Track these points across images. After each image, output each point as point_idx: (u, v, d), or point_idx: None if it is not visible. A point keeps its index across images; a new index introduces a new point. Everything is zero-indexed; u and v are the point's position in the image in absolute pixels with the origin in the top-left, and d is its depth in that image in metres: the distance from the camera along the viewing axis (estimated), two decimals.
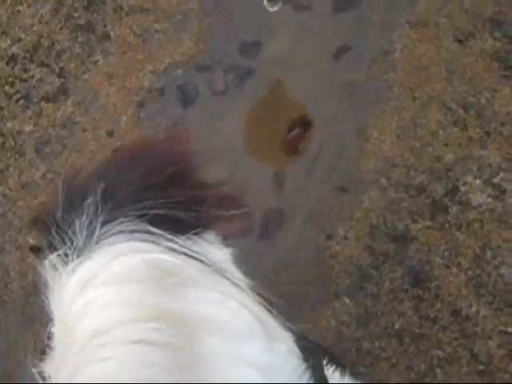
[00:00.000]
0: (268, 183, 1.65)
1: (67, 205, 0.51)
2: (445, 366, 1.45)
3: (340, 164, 1.63)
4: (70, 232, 0.48)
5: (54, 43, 1.85)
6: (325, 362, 0.70)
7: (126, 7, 1.87)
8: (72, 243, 0.48)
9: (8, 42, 1.86)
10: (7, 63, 1.84)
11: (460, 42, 1.61)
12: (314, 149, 1.66)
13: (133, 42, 1.83)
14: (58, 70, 1.81)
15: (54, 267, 0.47)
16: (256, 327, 0.54)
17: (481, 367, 1.42)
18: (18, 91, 1.80)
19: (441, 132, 1.59)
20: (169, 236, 0.50)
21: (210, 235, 0.59)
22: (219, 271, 0.54)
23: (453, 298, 1.49)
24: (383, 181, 1.60)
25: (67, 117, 1.76)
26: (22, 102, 1.79)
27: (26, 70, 1.83)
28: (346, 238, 1.57)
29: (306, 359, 0.60)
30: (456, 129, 1.58)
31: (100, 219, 0.48)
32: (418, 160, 1.59)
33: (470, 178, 1.54)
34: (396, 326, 1.48)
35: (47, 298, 0.48)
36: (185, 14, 1.84)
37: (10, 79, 1.82)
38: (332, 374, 0.69)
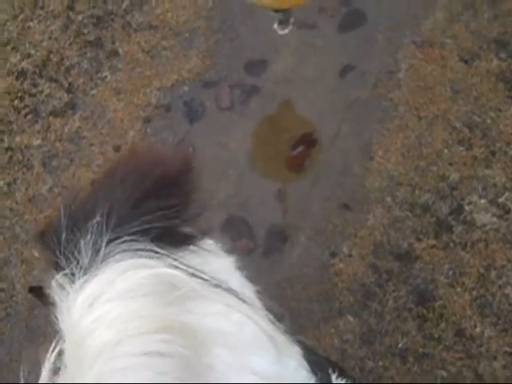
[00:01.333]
0: (272, 199, 1.66)
1: (71, 225, 0.52)
2: None
3: (345, 181, 1.64)
4: (75, 252, 0.49)
5: (63, 59, 1.88)
6: (334, 376, 0.70)
7: (135, 24, 1.90)
8: (78, 262, 0.49)
9: (18, 57, 1.89)
10: (17, 78, 1.87)
11: (465, 62, 1.62)
12: (319, 166, 1.67)
13: (141, 59, 1.85)
14: (66, 86, 1.84)
15: (61, 286, 0.48)
16: (262, 339, 0.54)
17: None
18: (26, 106, 1.83)
19: (446, 151, 1.60)
20: (171, 251, 0.51)
21: (210, 244, 0.60)
22: (221, 284, 0.55)
23: (457, 317, 1.48)
24: (388, 199, 1.60)
25: (75, 131, 1.78)
26: (30, 116, 1.81)
27: (35, 85, 1.85)
28: (350, 255, 1.57)
29: (314, 372, 0.60)
30: (461, 148, 1.59)
31: (105, 238, 0.49)
32: (423, 179, 1.60)
33: (474, 198, 1.54)
34: (400, 345, 1.48)
35: (56, 317, 0.48)
36: (192, 32, 1.87)
37: (19, 94, 1.84)
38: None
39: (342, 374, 0.73)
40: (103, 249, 0.48)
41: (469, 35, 1.64)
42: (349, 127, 1.69)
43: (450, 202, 1.56)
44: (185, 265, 0.51)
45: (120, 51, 1.87)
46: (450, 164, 1.59)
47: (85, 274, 0.48)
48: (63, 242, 0.51)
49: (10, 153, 1.77)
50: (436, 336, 1.48)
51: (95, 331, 0.44)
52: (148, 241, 0.50)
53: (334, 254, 1.58)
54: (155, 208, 0.53)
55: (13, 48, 1.90)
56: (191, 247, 0.55)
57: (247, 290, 0.60)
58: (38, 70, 1.87)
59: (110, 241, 0.49)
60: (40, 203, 1.71)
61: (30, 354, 1.53)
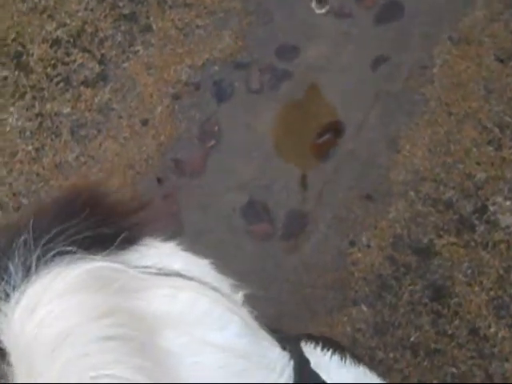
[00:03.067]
0: (295, 185, 1.67)
1: None
2: None
3: (369, 172, 1.63)
4: (5, 276, 0.48)
5: (97, 30, 1.89)
6: (319, 348, 0.68)
7: (170, 1, 1.90)
8: (10, 283, 0.48)
9: (53, 25, 1.91)
10: (51, 46, 1.89)
11: (501, 61, 1.60)
12: (344, 155, 1.67)
13: (174, 36, 1.86)
14: (99, 57, 1.85)
15: None
16: (219, 312, 0.52)
17: None
18: (59, 74, 1.84)
19: (474, 150, 1.59)
20: (102, 253, 0.50)
21: (145, 241, 0.58)
22: (162, 269, 0.53)
23: (472, 316, 1.48)
24: (411, 193, 1.59)
25: (104, 103, 1.79)
26: (62, 84, 1.83)
27: (68, 54, 1.87)
28: (368, 246, 1.57)
29: (283, 348, 0.59)
30: (490, 148, 1.58)
31: (34, 256, 0.48)
32: (449, 176, 1.59)
33: (500, 199, 1.53)
34: (412, 339, 1.48)
35: None
36: (227, 12, 1.87)
37: (52, 62, 1.86)
38: (330, 358, 0.67)
39: (328, 344, 0.70)
40: (34, 265, 0.48)
41: (507, 35, 1.62)
42: (377, 119, 1.68)
43: (474, 201, 1.55)
44: (121, 260, 0.51)
45: (154, 27, 1.87)
46: (478, 163, 1.58)
47: (18, 290, 0.47)
48: None
49: (39, 119, 1.79)
50: (449, 333, 1.47)
51: (42, 331, 0.43)
52: (80, 250, 0.49)
53: (352, 244, 1.58)
54: (80, 221, 0.52)
55: (49, 16, 1.92)
56: (126, 248, 0.54)
57: (196, 267, 0.57)
58: (72, 40, 1.88)
59: (40, 257, 0.48)
60: (66, 170, 1.73)
61: None
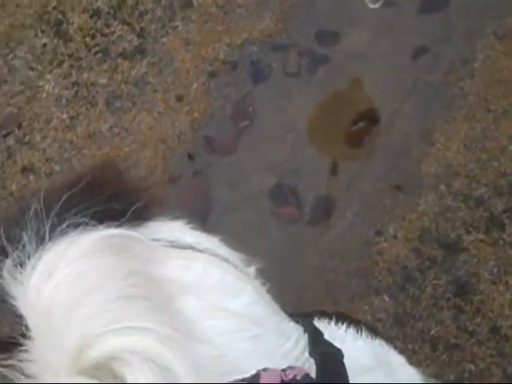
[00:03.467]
0: (325, 170, 1.66)
1: (9, 225, 0.52)
2: (475, 381, 1.44)
3: (401, 163, 1.62)
4: (20, 245, 0.49)
5: (138, 3, 1.89)
6: (333, 323, 0.68)
7: None
8: (24, 253, 0.48)
9: None
10: (91, 16, 1.90)
11: None
12: (377, 144, 1.66)
13: (214, 13, 1.86)
14: (138, 30, 1.86)
15: (12, 275, 0.47)
16: (232, 282, 0.53)
17: None
18: (97, 44, 1.86)
19: (510, 148, 1.56)
20: (113, 223, 0.50)
21: (155, 218, 0.58)
22: (174, 241, 0.54)
23: (494, 314, 1.47)
24: (442, 187, 1.58)
25: (141, 76, 1.80)
26: (99, 55, 1.84)
27: (107, 26, 1.88)
28: (395, 237, 1.56)
29: (295, 322, 0.59)
30: None
31: (47, 226, 0.49)
32: (482, 172, 1.57)
33: None
34: (432, 332, 1.48)
35: (15, 306, 0.47)
36: None
37: (91, 32, 1.87)
38: (346, 331, 0.66)
39: (342, 318, 0.70)
40: (47, 235, 0.48)
41: None
42: (413, 110, 1.67)
43: (506, 199, 1.54)
44: (131, 227, 0.51)
45: (194, 3, 1.87)
46: None
47: (33, 258, 0.47)
48: (6, 241, 0.50)
49: (76, 88, 1.81)
50: (470, 329, 1.47)
51: (59, 294, 0.43)
52: (93, 221, 0.49)
53: (379, 233, 1.58)
54: (92, 196, 0.53)
55: None
56: (137, 223, 0.54)
57: (207, 242, 0.58)
58: (112, 11, 1.89)
59: (52, 226, 0.48)
60: (99, 140, 1.75)
61: None
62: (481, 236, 1.52)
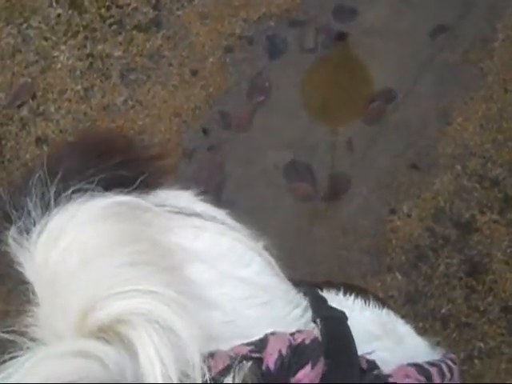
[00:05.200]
0: (340, 148, 1.66)
1: (14, 192, 0.51)
2: (484, 359, 1.45)
3: (417, 142, 1.62)
4: (25, 210, 0.48)
5: None
6: (341, 293, 0.68)
7: None
8: (30, 218, 0.47)
9: None
10: None
11: None
12: (393, 122, 1.65)
13: None
14: (153, 2, 1.84)
15: (17, 241, 0.47)
16: (242, 251, 0.52)
17: None
18: (112, 16, 1.84)
19: None
20: (121, 190, 0.49)
21: (163, 187, 0.57)
22: (184, 209, 0.53)
23: (506, 294, 1.48)
24: (458, 167, 1.58)
25: (156, 49, 1.79)
26: (114, 27, 1.83)
27: None
28: (409, 215, 1.57)
29: (299, 290, 0.59)
30: None
31: (52, 191, 0.48)
32: (498, 153, 1.57)
33: None
34: (443, 311, 1.49)
35: (22, 272, 0.47)
36: None
37: (106, 3, 1.85)
38: (353, 302, 0.66)
39: (350, 289, 0.70)
40: (52, 201, 0.47)
41: None
42: (431, 89, 1.65)
43: None
44: (139, 195, 0.50)
45: None
46: None
47: (38, 224, 0.46)
48: (11, 208, 0.50)
49: (90, 59, 1.80)
50: (481, 308, 1.48)
51: (66, 258, 0.42)
52: (99, 188, 0.48)
53: (393, 211, 1.58)
54: (98, 163, 0.51)
55: None
56: (145, 192, 0.53)
57: (215, 212, 0.57)
58: None
59: (57, 193, 0.48)
60: (113, 113, 1.74)
61: None
62: (495, 216, 1.53)
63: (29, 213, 0.47)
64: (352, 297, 0.68)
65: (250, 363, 0.38)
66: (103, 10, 1.85)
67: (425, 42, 1.69)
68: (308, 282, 0.70)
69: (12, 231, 0.47)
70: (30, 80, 1.78)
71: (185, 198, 0.58)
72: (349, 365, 0.42)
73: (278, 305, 0.50)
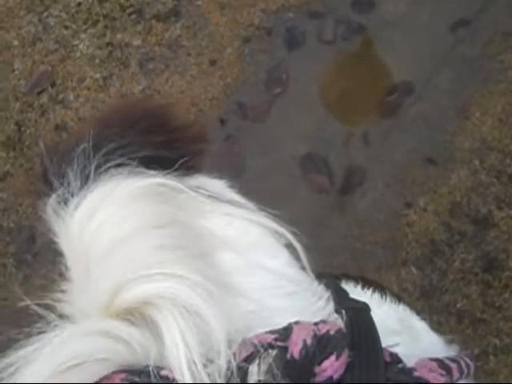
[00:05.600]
0: (357, 140, 1.65)
1: (56, 159, 0.51)
2: (499, 355, 1.44)
3: (435, 136, 1.60)
4: (65, 180, 0.49)
5: None
6: (359, 287, 0.69)
7: None
8: (69, 190, 0.48)
9: None
10: None
11: None
12: (411, 116, 1.64)
13: None
14: None
15: (56, 212, 0.48)
16: (271, 242, 0.53)
17: None
18: (132, 5, 1.85)
19: None
20: (162, 171, 0.50)
21: (201, 173, 0.58)
22: (219, 195, 0.54)
23: None
24: (476, 162, 1.56)
25: (175, 38, 1.79)
26: (134, 16, 1.84)
27: None
28: (425, 209, 1.56)
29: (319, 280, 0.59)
30: None
31: (93, 164, 0.48)
32: None
33: None
34: (458, 306, 1.48)
35: (56, 242, 0.48)
36: None
37: None
38: (371, 296, 0.67)
39: (368, 283, 0.71)
40: (92, 174, 0.48)
41: None
42: (450, 83, 1.64)
43: None
44: (178, 178, 0.50)
45: None
46: None
47: (77, 196, 0.47)
48: (51, 176, 0.50)
49: (109, 48, 1.81)
50: (497, 305, 1.47)
51: (99, 236, 0.43)
52: (139, 165, 0.49)
53: (409, 205, 1.57)
54: (142, 141, 0.52)
55: None
56: (184, 174, 0.53)
57: (246, 202, 0.58)
58: None
59: (98, 166, 0.48)
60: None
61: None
62: None
63: (69, 183, 0.48)
64: (370, 291, 0.69)
65: (275, 351, 0.38)
66: (123, 0, 1.86)
67: (444, 35, 1.68)
68: (329, 273, 0.71)
69: (51, 200, 0.48)
70: (49, 68, 1.80)
71: (219, 186, 0.58)
72: (374, 357, 0.43)
73: (303, 296, 0.50)
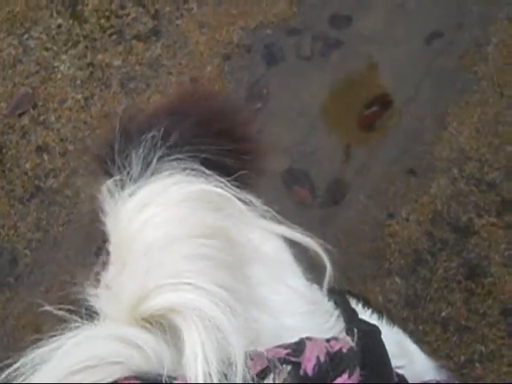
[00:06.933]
0: (338, 154, 1.67)
1: (125, 137, 0.53)
2: (485, 362, 1.45)
3: (414, 147, 1.63)
4: (126, 162, 0.50)
5: None
6: (360, 305, 0.71)
7: None
8: (128, 172, 0.49)
9: None
10: None
11: None
12: (390, 128, 1.67)
13: None
14: (152, 12, 1.87)
15: (111, 192, 0.49)
16: (297, 267, 0.56)
17: None
18: (112, 26, 1.87)
19: None
20: (218, 177, 0.51)
21: (253, 188, 0.60)
22: (264, 211, 0.56)
23: (505, 297, 1.48)
24: (455, 171, 1.59)
25: (155, 58, 1.81)
26: (114, 37, 1.85)
27: (122, 8, 1.89)
28: (407, 219, 1.58)
29: (331, 298, 0.61)
30: None
31: (157, 154, 0.50)
32: (494, 157, 1.58)
33: None
34: (443, 314, 1.49)
35: (104, 222, 0.49)
36: None
37: (106, 13, 1.88)
38: (370, 316, 0.70)
39: (368, 304, 0.73)
40: (154, 163, 0.49)
41: None
42: (426, 94, 1.67)
43: None
44: (232, 187, 0.52)
45: None
46: None
47: (134, 183, 0.48)
48: (116, 152, 0.52)
49: (90, 69, 1.82)
50: (481, 311, 1.48)
51: (143, 232, 0.44)
52: (197, 163, 0.50)
53: (391, 216, 1.59)
54: (210, 143, 0.53)
55: None
56: (238, 186, 0.55)
57: (284, 220, 0.61)
58: None
59: (162, 157, 0.49)
60: (113, 121, 1.76)
61: (85, 258, 1.61)
62: (492, 219, 1.53)
63: (130, 166, 0.49)
64: (369, 311, 0.70)
65: (289, 367, 0.38)
66: (103, 21, 1.88)
67: (420, 48, 1.72)
68: (340, 290, 0.72)
69: (108, 181, 0.49)
70: (30, 90, 1.81)
71: (259, 203, 0.60)
72: (385, 377, 0.44)
73: (318, 314, 0.53)
